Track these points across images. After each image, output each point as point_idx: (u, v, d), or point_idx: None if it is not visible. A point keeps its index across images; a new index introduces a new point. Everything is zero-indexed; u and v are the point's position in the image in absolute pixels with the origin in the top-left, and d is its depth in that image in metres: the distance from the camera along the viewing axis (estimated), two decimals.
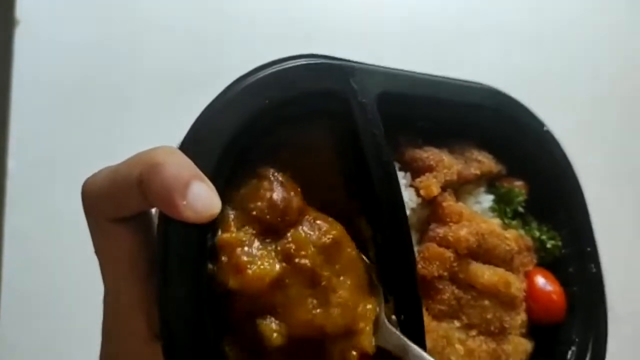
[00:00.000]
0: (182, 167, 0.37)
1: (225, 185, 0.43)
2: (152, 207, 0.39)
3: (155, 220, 0.41)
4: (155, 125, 0.81)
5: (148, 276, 0.40)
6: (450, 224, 0.52)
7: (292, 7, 0.90)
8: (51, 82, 0.80)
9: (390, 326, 0.43)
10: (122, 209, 0.39)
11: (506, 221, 0.59)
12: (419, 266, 0.50)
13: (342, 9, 0.97)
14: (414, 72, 0.50)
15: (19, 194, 0.83)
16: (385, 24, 1.02)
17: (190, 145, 0.41)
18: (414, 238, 0.53)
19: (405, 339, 0.43)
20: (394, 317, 0.44)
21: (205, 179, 0.38)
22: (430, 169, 0.52)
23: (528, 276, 0.58)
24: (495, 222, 0.57)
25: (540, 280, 0.58)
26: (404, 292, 0.45)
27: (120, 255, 0.40)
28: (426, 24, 1.07)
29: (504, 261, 0.55)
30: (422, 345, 0.44)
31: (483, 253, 0.53)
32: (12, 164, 0.76)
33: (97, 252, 0.41)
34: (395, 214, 0.46)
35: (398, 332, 0.43)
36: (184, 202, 0.36)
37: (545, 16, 1.15)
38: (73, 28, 0.85)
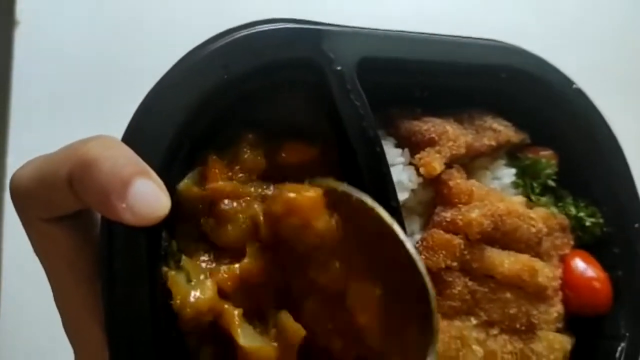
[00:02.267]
0: (121, 162, 0.32)
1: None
2: (85, 206, 0.34)
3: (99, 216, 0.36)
4: None
5: (93, 277, 0.35)
6: (459, 205, 0.44)
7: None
8: (51, 82, 0.78)
9: None
10: (54, 210, 0.34)
11: (534, 198, 0.50)
12: (422, 257, 0.43)
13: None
14: (402, 32, 0.43)
15: None
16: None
17: (135, 133, 0.36)
18: (417, 224, 0.45)
19: None
20: None
21: (152, 174, 0.33)
22: (431, 142, 0.45)
23: (564, 261, 0.50)
24: (518, 200, 0.48)
25: (580, 265, 0.49)
26: None
27: (59, 257, 0.35)
28: None
29: (529, 245, 0.46)
30: None
31: (501, 237, 0.45)
32: (11, 163, 0.73)
33: (36, 253, 0.36)
34: (386, 202, 0.39)
35: None
36: (123, 205, 0.31)
37: None
38: (73, 28, 0.83)
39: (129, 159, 0.33)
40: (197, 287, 0.35)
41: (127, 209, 0.31)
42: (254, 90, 0.39)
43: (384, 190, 0.38)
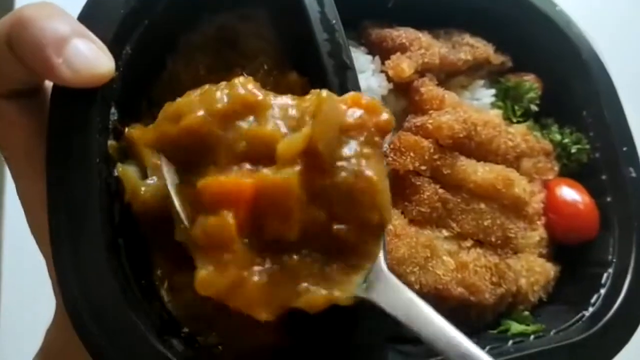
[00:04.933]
0: (58, 20, 0.31)
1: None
2: (35, 75, 0.33)
3: None
4: None
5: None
6: (430, 111, 0.43)
7: None
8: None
9: (392, 276, 0.31)
10: (2, 79, 0.33)
11: (514, 120, 0.48)
12: (388, 159, 0.41)
13: None
14: None
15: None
16: None
17: (87, 9, 0.35)
18: (389, 135, 0.44)
19: (413, 295, 0.30)
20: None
21: (93, 36, 0.32)
22: (402, 48, 0.43)
23: (548, 187, 0.47)
24: (495, 113, 0.46)
25: (564, 190, 0.47)
26: None
27: (17, 141, 0.35)
28: None
29: (506, 159, 0.44)
30: None
31: (476, 148, 0.43)
32: None
33: None
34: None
35: (402, 285, 0.30)
36: (60, 60, 0.30)
37: None
38: None
39: (67, 19, 0.32)
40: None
41: (63, 64, 0.30)
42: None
43: (344, 77, 0.37)
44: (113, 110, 0.36)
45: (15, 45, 0.31)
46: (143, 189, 0.34)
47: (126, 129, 0.35)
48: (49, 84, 0.36)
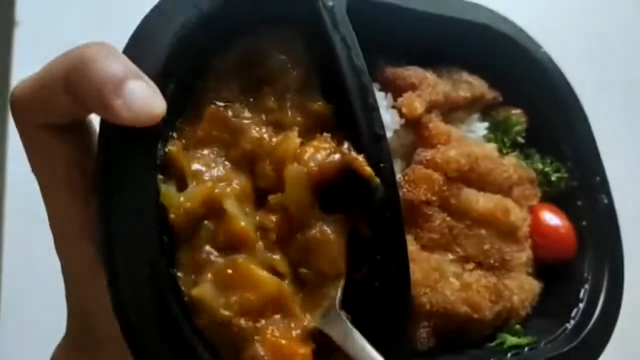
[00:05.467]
0: (116, 62, 0.33)
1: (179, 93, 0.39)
2: (87, 112, 0.35)
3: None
4: None
5: (88, 199, 0.36)
6: (438, 146, 0.47)
7: None
8: None
9: (341, 314, 0.37)
10: (52, 114, 0.34)
11: (504, 151, 0.53)
12: (404, 190, 0.45)
13: None
14: None
15: (19, 194, 0.80)
16: None
17: (134, 45, 0.37)
18: (398, 166, 0.48)
19: (352, 327, 0.36)
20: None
21: (145, 77, 0.34)
22: (412, 87, 0.48)
23: (532, 211, 0.53)
24: (492, 147, 0.51)
25: (547, 215, 0.53)
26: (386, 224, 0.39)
27: (56, 172, 0.36)
28: None
29: (502, 189, 0.50)
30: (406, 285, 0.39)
31: (477, 178, 0.48)
32: (11, 165, 0.73)
33: (33, 169, 0.37)
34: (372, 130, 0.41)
35: (346, 321, 0.37)
36: (119, 101, 0.32)
37: None
38: (73, 28, 0.83)
39: (123, 60, 0.34)
40: (187, 193, 0.36)
41: (123, 105, 0.32)
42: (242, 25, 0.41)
43: (370, 118, 0.40)
44: (159, 145, 0.38)
45: (75, 84, 0.32)
46: (182, 198, 0.36)
47: (167, 148, 0.37)
48: (91, 117, 0.37)
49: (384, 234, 0.39)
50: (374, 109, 0.40)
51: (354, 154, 0.38)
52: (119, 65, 0.33)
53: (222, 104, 0.40)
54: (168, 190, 0.37)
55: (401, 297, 0.39)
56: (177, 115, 0.40)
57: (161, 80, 0.36)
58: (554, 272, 0.52)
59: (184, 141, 0.38)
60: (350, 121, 0.40)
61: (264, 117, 0.41)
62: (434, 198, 0.45)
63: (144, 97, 0.33)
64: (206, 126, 0.39)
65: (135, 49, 0.37)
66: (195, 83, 0.41)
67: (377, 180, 0.39)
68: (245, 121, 0.40)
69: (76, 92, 0.32)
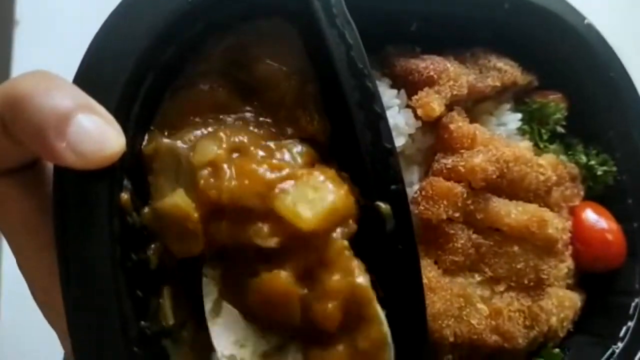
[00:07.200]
0: (58, 95, 0.27)
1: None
2: (32, 154, 0.30)
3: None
4: None
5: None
6: (461, 151, 0.40)
7: None
8: None
9: None
10: None
11: (541, 145, 0.46)
12: (421, 207, 0.39)
13: None
14: None
15: None
16: None
17: (87, 71, 0.31)
18: (415, 174, 0.41)
19: None
20: None
21: (97, 107, 0.29)
22: (430, 81, 0.40)
23: (574, 213, 0.46)
24: (525, 146, 0.44)
25: (591, 217, 0.46)
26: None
27: (15, 219, 0.31)
28: None
29: (538, 195, 0.43)
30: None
31: (507, 186, 0.41)
32: None
33: None
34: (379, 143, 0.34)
35: None
36: (63, 144, 0.27)
37: None
38: (73, 28, 0.79)
39: (68, 91, 0.28)
40: None
41: (67, 149, 0.27)
42: (227, 17, 0.34)
43: (377, 131, 0.34)
44: (125, 181, 0.32)
45: (11, 128, 0.28)
46: None
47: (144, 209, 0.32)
48: None
49: (395, 269, 0.33)
50: (381, 117, 0.34)
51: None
52: (62, 100, 0.27)
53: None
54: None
55: (416, 337, 0.34)
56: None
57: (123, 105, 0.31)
58: (599, 280, 0.46)
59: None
60: (352, 136, 0.34)
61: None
62: (456, 214, 0.39)
63: (93, 136, 0.28)
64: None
65: (90, 69, 0.31)
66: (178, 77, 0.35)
67: (388, 209, 0.33)
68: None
69: (14, 135, 0.27)
